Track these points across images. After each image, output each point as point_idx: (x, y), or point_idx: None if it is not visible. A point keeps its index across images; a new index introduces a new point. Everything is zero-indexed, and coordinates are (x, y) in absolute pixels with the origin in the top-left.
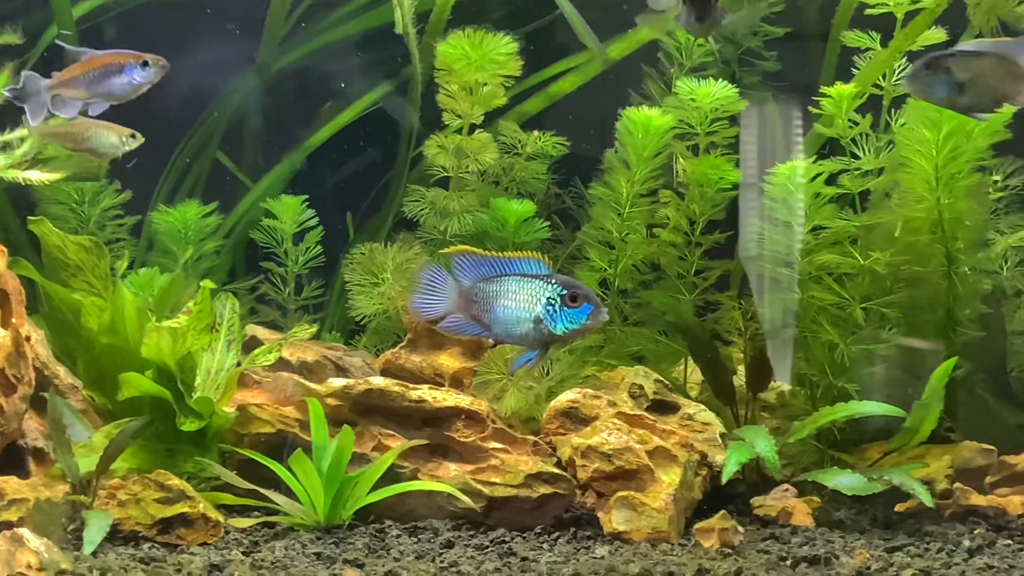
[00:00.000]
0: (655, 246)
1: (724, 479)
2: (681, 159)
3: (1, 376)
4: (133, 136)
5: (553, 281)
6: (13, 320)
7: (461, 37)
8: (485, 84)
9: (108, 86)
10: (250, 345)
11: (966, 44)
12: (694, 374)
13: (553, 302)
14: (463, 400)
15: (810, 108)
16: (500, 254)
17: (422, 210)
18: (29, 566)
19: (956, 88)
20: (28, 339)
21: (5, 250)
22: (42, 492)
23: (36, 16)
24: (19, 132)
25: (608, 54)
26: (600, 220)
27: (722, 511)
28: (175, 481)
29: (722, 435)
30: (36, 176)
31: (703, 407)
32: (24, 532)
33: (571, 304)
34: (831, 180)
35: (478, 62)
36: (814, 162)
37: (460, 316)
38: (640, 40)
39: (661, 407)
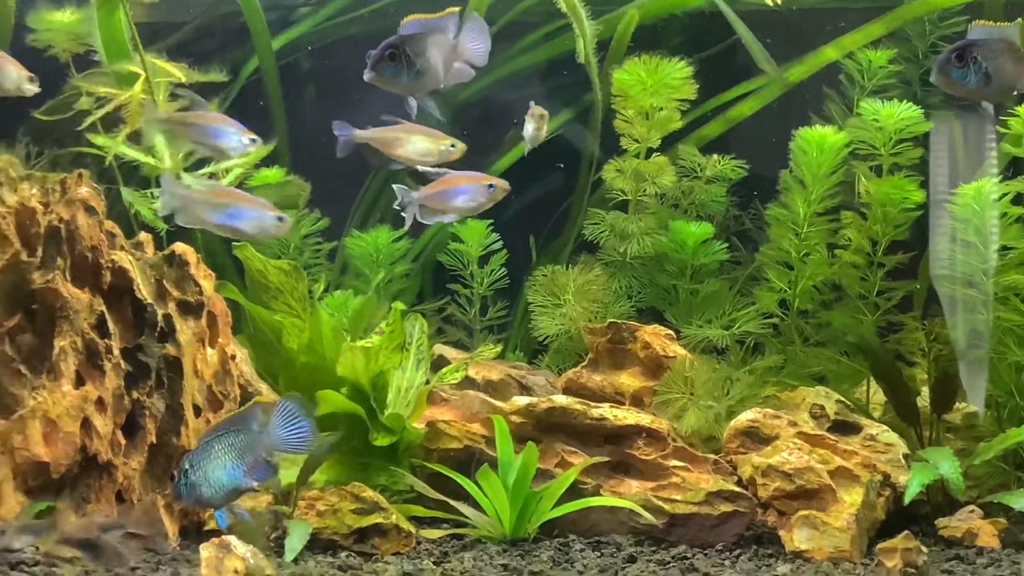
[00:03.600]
0: (835, 266)
1: (907, 500)
2: (864, 179)
3: (208, 393)
4: (453, 146)
5: None
6: (220, 340)
7: (636, 63)
8: (660, 108)
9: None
10: (438, 364)
11: (973, 32)
12: (876, 395)
13: None
14: (644, 418)
15: (997, 128)
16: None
17: (602, 233)
18: (236, 571)
19: (984, 78)
20: (234, 358)
21: (212, 274)
22: (247, 502)
23: (241, 51)
24: (224, 164)
25: (786, 77)
26: (778, 240)
27: (905, 531)
28: (369, 493)
29: (905, 456)
30: None
31: (886, 428)
32: (231, 539)
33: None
34: (1017, 200)
35: (653, 87)
36: (1000, 182)
37: None
38: (819, 63)
39: (843, 427)
